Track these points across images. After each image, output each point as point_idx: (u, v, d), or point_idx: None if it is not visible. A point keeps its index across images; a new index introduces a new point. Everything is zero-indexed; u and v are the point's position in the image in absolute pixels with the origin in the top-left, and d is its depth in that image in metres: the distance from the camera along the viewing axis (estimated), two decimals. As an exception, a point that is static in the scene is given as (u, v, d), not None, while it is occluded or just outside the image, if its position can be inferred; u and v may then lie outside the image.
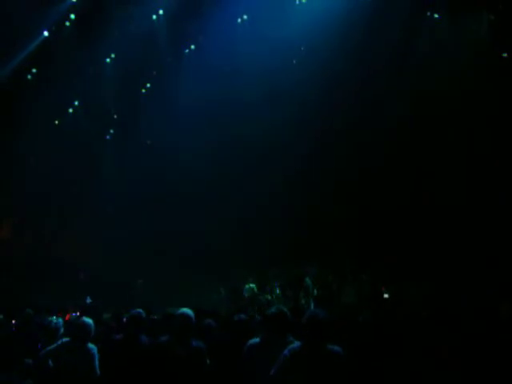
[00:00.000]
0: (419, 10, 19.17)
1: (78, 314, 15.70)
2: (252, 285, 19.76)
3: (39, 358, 7.06)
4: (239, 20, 20.26)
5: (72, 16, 20.19)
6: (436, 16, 19.10)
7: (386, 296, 17.76)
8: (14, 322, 10.25)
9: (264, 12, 19.54)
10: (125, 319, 7.78)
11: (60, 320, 8.49)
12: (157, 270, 20.84)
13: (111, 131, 23.61)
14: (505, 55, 18.09)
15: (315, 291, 18.19)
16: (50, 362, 7.01)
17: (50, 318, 8.89)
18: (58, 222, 22.13)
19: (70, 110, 22.49)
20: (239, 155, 21.28)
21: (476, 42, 18.39)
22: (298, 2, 19.76)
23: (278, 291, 18.98)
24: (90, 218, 22.47)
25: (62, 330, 8.20)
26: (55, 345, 7.06)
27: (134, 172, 21.71)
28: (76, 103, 22.35)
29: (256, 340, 5.90)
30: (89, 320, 7.09)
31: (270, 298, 19.10)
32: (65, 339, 7.10)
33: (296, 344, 5.49)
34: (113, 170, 22.85)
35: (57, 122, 22.59)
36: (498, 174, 17.19)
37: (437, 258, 16.75)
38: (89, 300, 17.19)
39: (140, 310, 6.89)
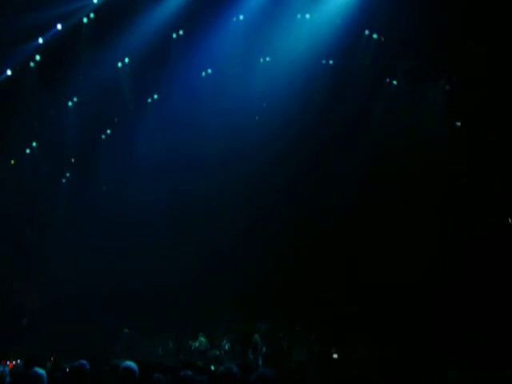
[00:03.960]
0: (379, 76, 19.79)
1: (21, 361, 15.11)
2: (203, 338, 19.40)
3: None
4: (203, 73, 20.50)
5: (37, 57, 20.13)
6: (394, 83, 19.71)
7: (335, 356, 17.71)
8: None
9: (228, 67, 19.88)
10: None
11: (7, 368, 8.12)
12: (104, 320, 20.29)
13: (67, 175, 23.15)
14: (458, 124, 18.71)
15: (264, 348, 18.01)
16: None
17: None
18: (6, 268, 21.35)
19: (28, 151, 22.13)
20: (191, 208, 21.25)
21: (431, 110, 19.00)
22: (262, 60, 20.17)
23: (226, 347, 18.70)
24: (39, 266, 21.80)
25: (8, 379, 7.83)
26: None
27: (88, 218, 21.32)
28: (34, 144, 22.01)
29: None
30: (41, 371, 6.78)
31: (218, 353, 18.80)
32: None
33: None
34: (67, 215, 22.41)
35: (13, 162, 22.18)
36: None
37: (389, 323, 16.88)
38: None
39: (84, 362, 6.60)
